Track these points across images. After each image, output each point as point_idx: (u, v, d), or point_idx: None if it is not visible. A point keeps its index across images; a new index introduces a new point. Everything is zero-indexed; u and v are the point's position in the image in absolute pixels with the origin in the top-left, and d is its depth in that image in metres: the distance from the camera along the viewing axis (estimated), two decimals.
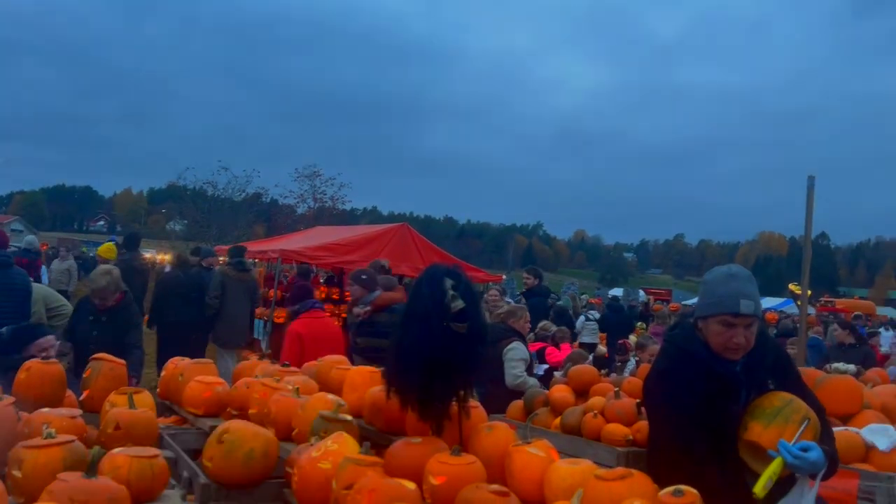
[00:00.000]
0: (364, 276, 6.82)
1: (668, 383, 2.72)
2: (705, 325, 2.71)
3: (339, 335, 6.85)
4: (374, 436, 3.04)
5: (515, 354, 6.53)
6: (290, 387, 3.22)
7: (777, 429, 2.49)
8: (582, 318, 15.01)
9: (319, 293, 11.79)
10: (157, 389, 3.81)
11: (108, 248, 11.79)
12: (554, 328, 8.85)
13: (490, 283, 13.42)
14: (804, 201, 5.83)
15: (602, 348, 12.41)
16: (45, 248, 27.52)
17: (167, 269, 11.15)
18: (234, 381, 3.76)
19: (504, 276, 18.16)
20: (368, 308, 6.72)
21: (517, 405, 4.39)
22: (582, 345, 13.32)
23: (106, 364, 3.45)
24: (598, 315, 16.11)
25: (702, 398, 2.62)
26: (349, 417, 2.84)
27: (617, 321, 15.48)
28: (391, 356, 2.67)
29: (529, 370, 6.64)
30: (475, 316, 2.61)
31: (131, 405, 2.93)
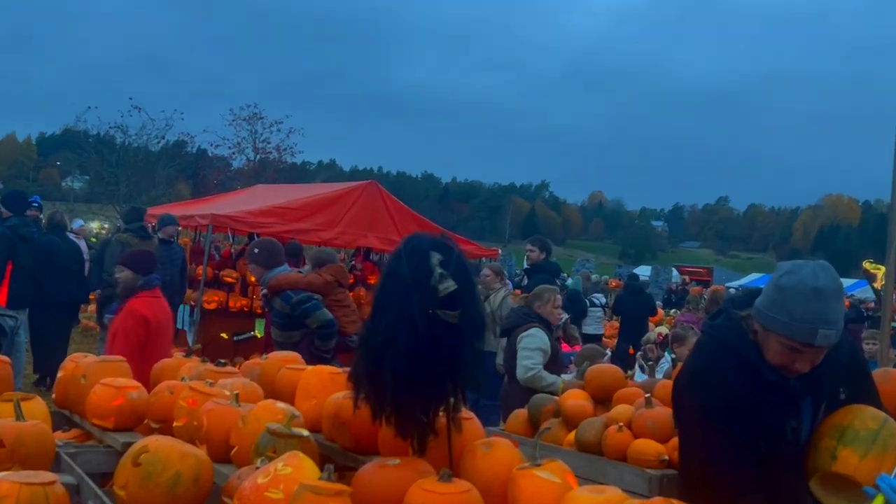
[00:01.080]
0: (257, 251, 7.05)
1: (705, 388, 2.72)
2: (764, 333, 2.69)
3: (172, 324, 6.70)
4: (339, 456, 3.03)
5: (531, 342, 6.60)
6: (228, 392, 3.19)
7: (875, 459, 2.47)
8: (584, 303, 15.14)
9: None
10: (53, 395, 3.77)
11: None
12: (565, 317, 8.91)
13: (483, 260, 13.42)
14: (890, 157, 5.82)
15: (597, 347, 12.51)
16: None
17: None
18: (152, 384, 3.72)
19: (500, 251, 18.20)
20: (264, 292, 6.90)
21: (520, 416, 4.41)
22: (584, 337, 13.41)
23: None
24: (603, 300, 16.25)
25: (749, 408, 2.62)
26: (305, 432, 2.82)
27: (633, 306, 15.53)
28: (360, 354, 2.65)
29: (555, 367, 6.67)
30: (470, 301, 2.59)
31: (19, 416, 2.89)
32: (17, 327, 7.07)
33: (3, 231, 9.35)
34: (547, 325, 6.82)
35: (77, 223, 19.48)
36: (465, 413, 2.86)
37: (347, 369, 2.99)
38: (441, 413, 2.72)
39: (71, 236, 11.05)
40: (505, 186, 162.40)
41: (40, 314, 9.72)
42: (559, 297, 7.08)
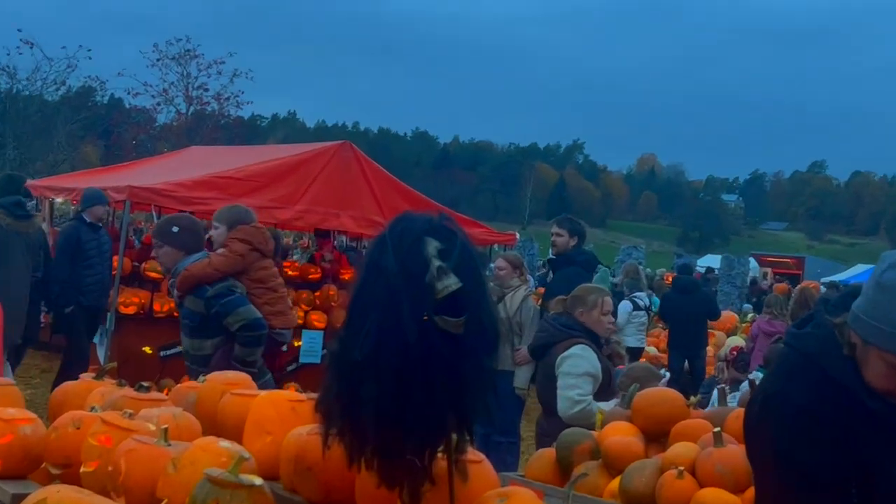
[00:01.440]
0: (177, 229, 6.80)
1: (781, 418, 2.71)
2: (863, 348, 2.68)
3: None
4: None
5: (576, 366, 6.42)
6: (153, 426, 3.18)
7: None
8: (624, 304, 14.99)
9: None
10: None
11: None
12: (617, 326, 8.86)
13: (495, 247, 13.43)
14: None
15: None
16: None
17: None
18: (51, 414, 3.71)
19: (517, 235, 18.14)
20: (173, 283, 6.71)
21: (545, 458, 4.43)
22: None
23: None
24: (646, 300, 16.13)
25: (840, 445, 2.62)
26: (258, 480, 2.82)
27: (685, 309, 15.35)
28: (331, 375, 2.67)
29: (607, 394, 6.55)
30: (478, 303, 2.61)
31: None
32: None
33: None
34: (594, 339, 6.70)
35: None
36: (473, 454, 2.87)
37: (312, 396, 2.99)
38: (440, 454, 2.73)
39: None
40: (524, 149, 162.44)
41: None
42: (609, 299, 6.96)
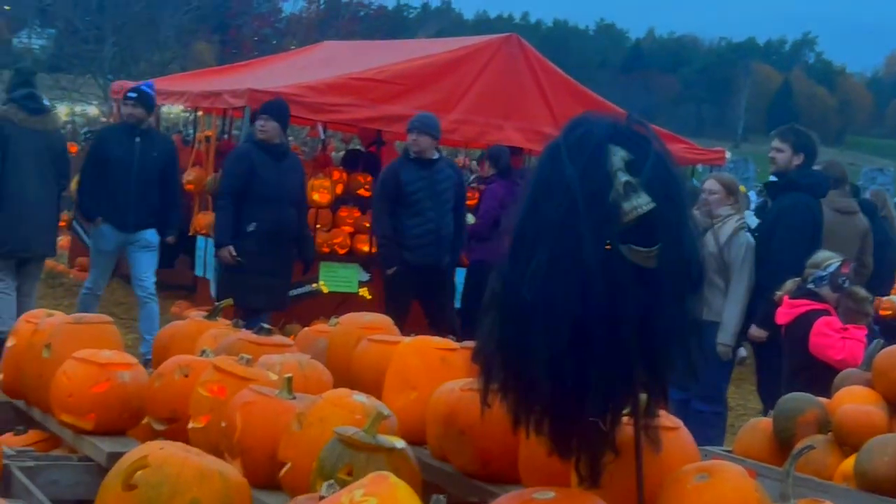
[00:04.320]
0: None
1: None
2: None
3: None
4: (454, 484, 3.10)
5: None
6: (275, 376, 3.24)
7: None
8: None
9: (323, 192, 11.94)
10: (0, 376, 3.93)
11: None
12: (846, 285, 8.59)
13: (699, 167, 13.22)
14: None
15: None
16: None
17: None
18: (155, 358, 3.83)
19: (728, 153, 17.78)
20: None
21: (759, 428, 4.43)
22: None
23: None
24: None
25: None
26: (399, 443, 2.86)
27: None
28: (490, 318, 2.68)
29: None
30: (677, 229, 2.60)
31: None
32: None
33: None
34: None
35: None
36: (667, 419, 2.88)
37: (468, 343, 3.00)
38: (626, 418, 2.74)
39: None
40: (738, 45, 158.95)
41: None
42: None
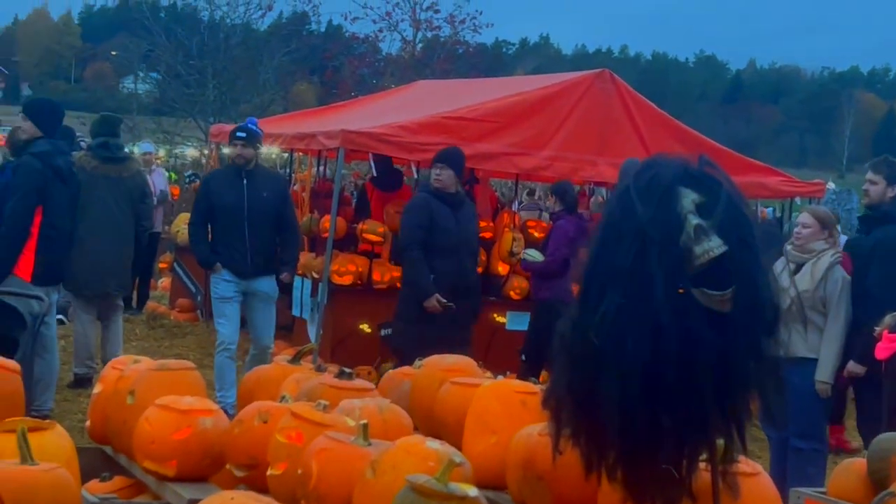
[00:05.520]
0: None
1: None
2: None
3: None
4: None
5: None
6: (352, 422, 3.25)
7: None
8: None
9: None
10: (86, 423, 3.97)
11: None
12: None
13: (797, 200, 13.07)
14: None
15: None
16: None
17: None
18: (240, 401, 3.86)
19: (830, 184, 17.57)
20: None
21: (853, 470, 4.35)
22: None
23: None
24: None
25: None
26: (472, 491, 2.85)
27: None
28: (560, 363, 2.70)
29: None
30: (749, 271, 2.59)
31: (25, 456, 3.01)
32: (43, 314, 7.54)
33: (30, 162, 9.83)
34: None
35: (144, 147, 20.48)
36: (746, 464, 2.87)
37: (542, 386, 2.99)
38: (703, 464, 2.72)
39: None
40: (841, 74, 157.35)
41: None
42: None
